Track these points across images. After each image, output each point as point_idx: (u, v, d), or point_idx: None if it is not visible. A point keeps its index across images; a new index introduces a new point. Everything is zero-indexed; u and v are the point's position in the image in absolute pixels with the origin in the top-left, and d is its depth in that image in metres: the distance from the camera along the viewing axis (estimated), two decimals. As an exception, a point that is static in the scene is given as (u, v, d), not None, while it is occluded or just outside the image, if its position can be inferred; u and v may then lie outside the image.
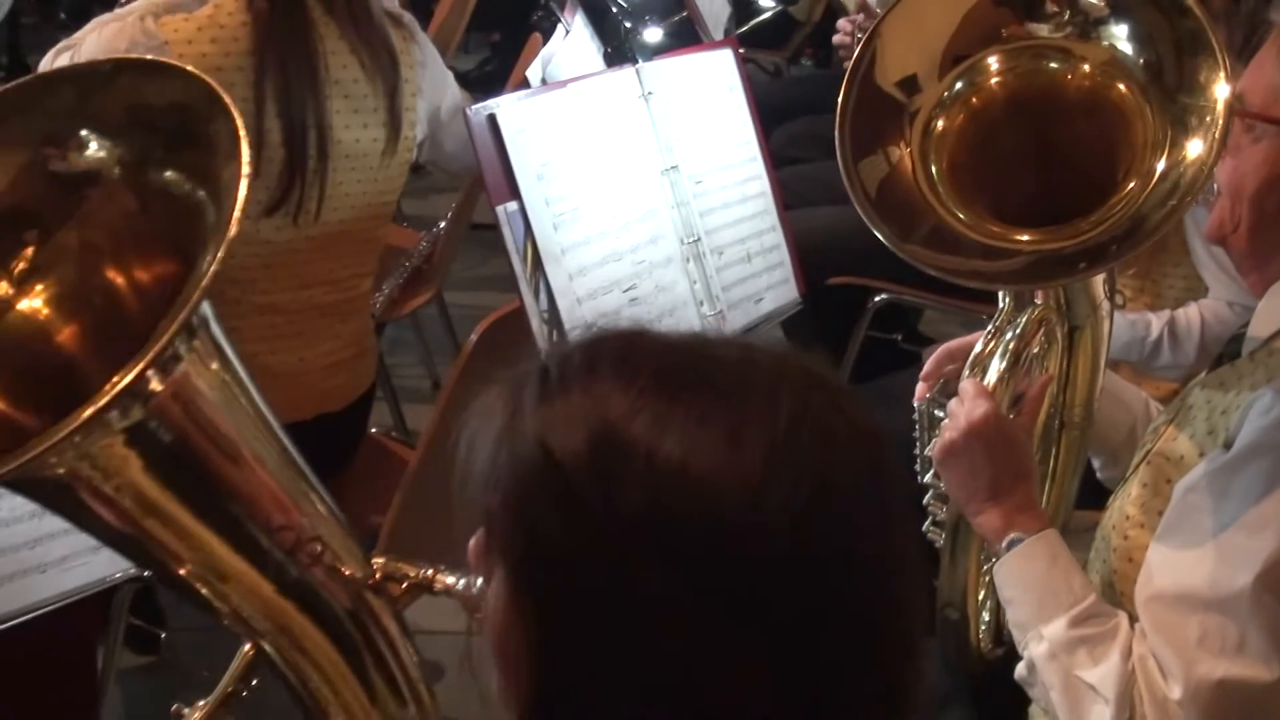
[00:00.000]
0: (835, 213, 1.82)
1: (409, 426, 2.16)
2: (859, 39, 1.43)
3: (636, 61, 1.54)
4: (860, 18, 2.07)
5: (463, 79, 1.69)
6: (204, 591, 0.75)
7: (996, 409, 0.99)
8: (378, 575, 0.79)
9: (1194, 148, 0.91)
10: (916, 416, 1.12)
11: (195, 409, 0.69)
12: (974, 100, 1.04)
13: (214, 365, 0.71)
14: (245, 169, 0.67)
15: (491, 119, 1.32)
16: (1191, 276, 1.50)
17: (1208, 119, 0.90)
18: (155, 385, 0.66)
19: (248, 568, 0.75)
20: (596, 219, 1.40)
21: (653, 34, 2.02)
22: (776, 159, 1.71)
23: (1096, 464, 1.19)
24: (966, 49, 1.03)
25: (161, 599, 1.72)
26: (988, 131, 1.03)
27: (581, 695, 0.53)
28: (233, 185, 0.67)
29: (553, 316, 1.32)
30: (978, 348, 1.07)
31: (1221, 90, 0.89)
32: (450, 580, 0.76)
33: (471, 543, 0.58)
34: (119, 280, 0.76)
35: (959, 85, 1.03)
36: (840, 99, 1.02)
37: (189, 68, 0.73)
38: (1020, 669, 0.95)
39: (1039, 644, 0.92)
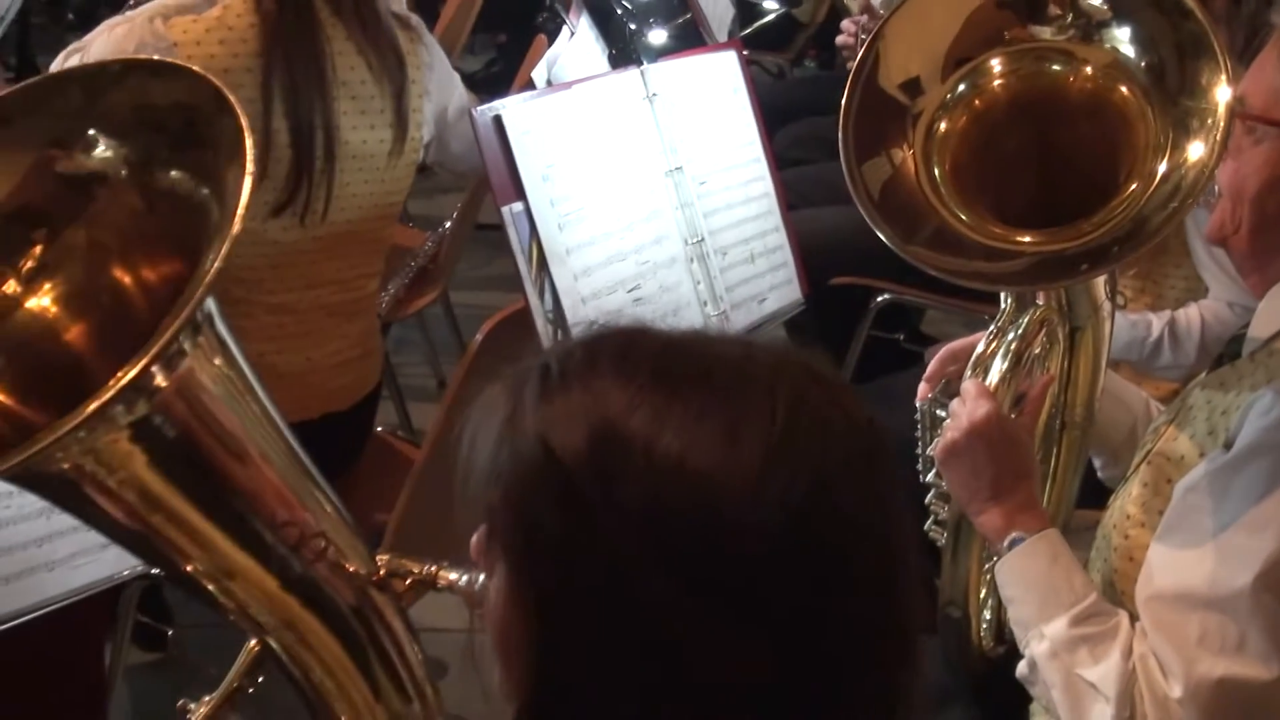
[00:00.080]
0: (838, 213, 1.82)
1: (414, 425, 2.17)
2: (862, 41, 1.43)
3: (641, 63, 1.55)
4: (864, 19, 2.08)
5: (468, 80, 1.70)
6: (209, 587, 0.76)
7: (998, 409, 1.00)
8: (382, 572, 0.80)
9: (1195, 150, 0.91)
10: (919, 416, 1.13)
11: (200, 405, 0.70)
12: (977, 102, 1.04)
13: (219, 362, 0.71)
14: (249, 168, 0.68)
15: (497, 120, 1.33)
16: (1192, 277, 1.51)
17: (1209, 122, 0.90)
18: (160, 381, 0.66)
19: (252, 563, 0.75)
20: (601, 219, 1.40)
21: (657, 36, 2.03)
22: (780, 160, 1.72)
23: (1097, 463, 1.20)
24: (969, 51, 1.04)
25: (169, 596, 1.73)
26: (990, 133, 1.04)
27: (581, 690, 0.54)
28: (237, 184, 0.68)
29: (557, 316, 1.33)
30: (980, 348, 1.07)
31: (1223, 93, 0.90)
32: (453, 576, 0.76)
33: (473, 539, 0.58)
34: (126, 279, 0.76)
35: (962, 87, 1.04)
36: (844, 101, 1.03)
37: (195, 68, 0.74)
38: (1021, 667, 0.96)
39: (1040, 642, 0.92)
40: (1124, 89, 0.99)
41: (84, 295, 0.76)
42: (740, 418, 0.52)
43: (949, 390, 1.09)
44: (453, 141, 1.59)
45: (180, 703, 0.82)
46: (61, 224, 0.76)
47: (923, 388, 1.13)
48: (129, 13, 1.41)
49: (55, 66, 1.41)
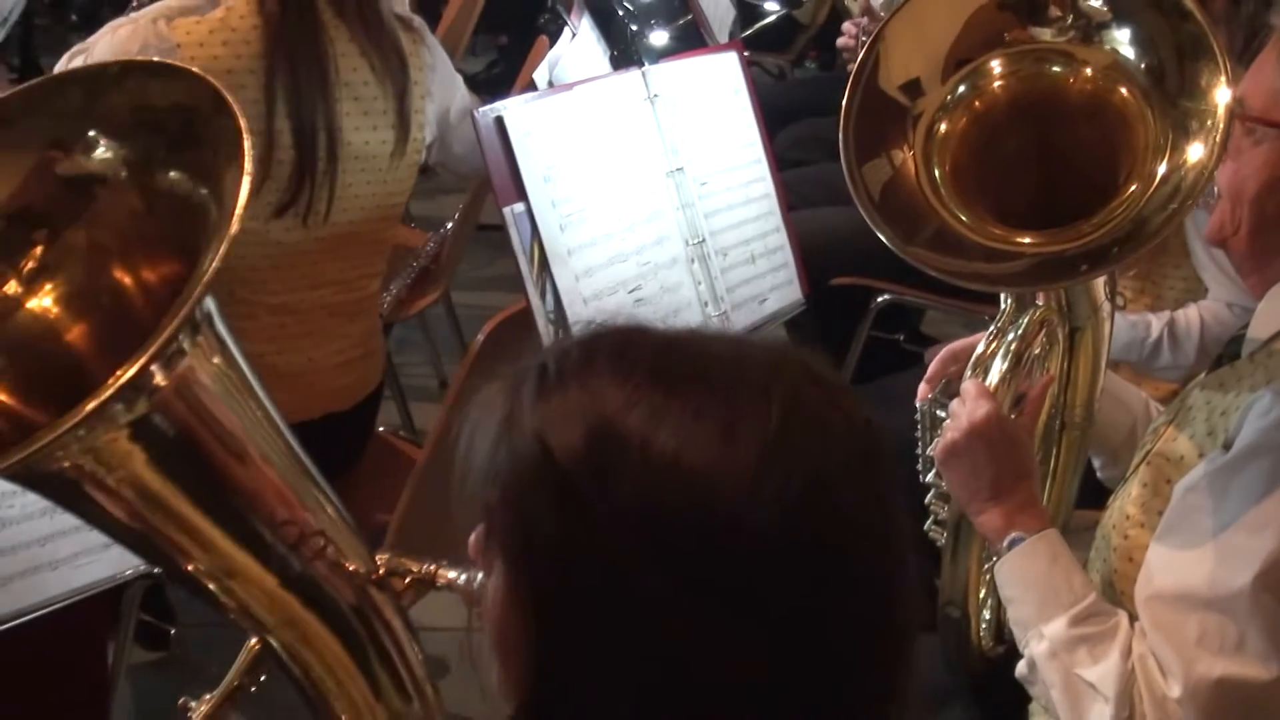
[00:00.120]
0: (838, 214, 1.83)
1: (416, 425, 2.18)
2: (863, 43, 1.43)
3: (642, 64, 1.55)
4: (865, 22, 2.08)
5: (470, 81, 1.70)
6: (209, 586, 0.76)
7: (998, 409, 1.00)
8: (381, 570, 0.80)
9: (1195, 151, 0.91)
10: (919, 416, 1.13)
11: (199, 404, 0.70)
12: (977, 104, 1.04)
13: (218, 361, 0.72)
14: (248, 169, 0.68)
15: (499, 121, 1.33)
16: (1191, 278, 1.51)
17: (1208, 123, 0.91)
18: (159, 380, 0.67)
19: (252, 562, 0.76)
20: (602, 220, 1.41)
21: (658, 37, 2.03)
22: (780, 161, 1.72)
23: (1097, 464, 1.20)
24: (969, 53, 1.04)
25: (171, 595, 1.73)
26: (990, 135, 1.04)
27: (579, 688, 0.54)
28: (236, 185, 0.68)
29: (559, 317, 1.34)
30: (980, 349, 1.07)
31: (1222, 95, 0.90)
32: (452, 575, 0.77)
33: (471, 538, 0.59)
34: (126, 280, 0.77)
35: (962, 89, 1.04)
36: (844, 102, 1.03)
37: (194, 69, 0.74)
38: (1021, 667, 0.96)
39: (1039, 642, 0.92)
40: (1124, 90, 0.99)
41: (84, 296, 0.76)
42: (736, 416, 0.52)
43: (949, 390, 1.09)
44: (455, 143, 1.59)
45: (181, 701, 0.82)
46: (62, 225, 0.76)
47: (923, 388, 1.13)
48: (133, 14, 1.42)
49: (60, 67, 1.41)
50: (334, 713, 0.82)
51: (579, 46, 1.81)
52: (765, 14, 2.94)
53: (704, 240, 1.52)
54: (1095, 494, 1.16)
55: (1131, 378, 1.34)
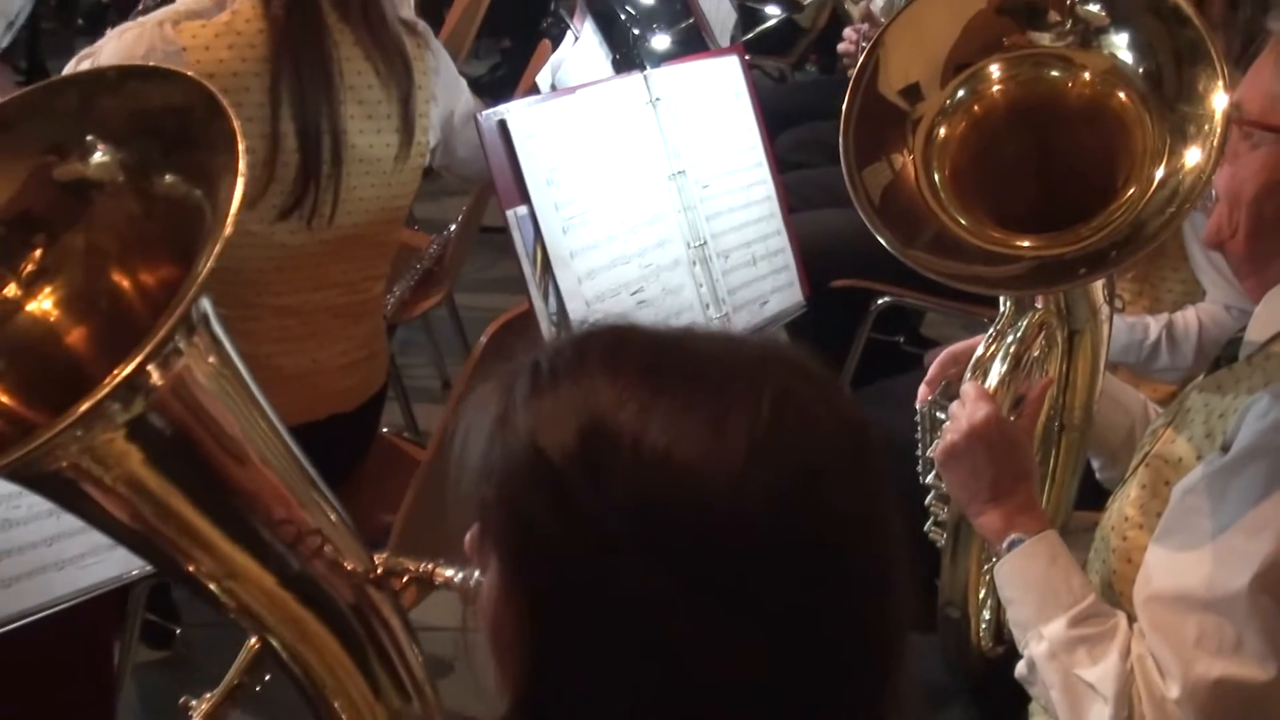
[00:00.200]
0: (839, 216, 1.84)
1: (420, 427, 2.19)
2: (863, 48, 1.44)
3: (644, 68, 1.56)
4: (865, 27, 2.09)
5: (473, 84, 1.71)
6: (209, 585, 0.77)
7: (997, 411, 1.01)
8: (379, 570, 0.80)
9: (1192, 156, 0.92)
10: (919, 418, 1.13)
11: (196, 404, 0.71)
12: (976, 108, 1.05)
13: (214, 361, 0.72)
14: (241, 171, 0.69)
15: (502, 124, 1.34)
16: (1189, 281, 1.52)
17: (1206, 127, 0.91)
18: (156, 379, 0.67)
19: (250, 561, 0.76)
20: (605, 223, 1.42)
21: (660, 41, 2.04)
22: (781, 163, 1.73)
23: (1096, 465, 1.20)
24: (969, 57, 1.05)
25: (176, 595, 1.74)
26: (989, 139, 1.04)
27: (573, 684, 0.54)
28: (231, 187, 0.69)
29: (561, 319, 1.34)
30: (979, 351, 1.08)
31: (1220, 100, 0.91)
32: (449, 573, 0.77)
33: (467, 536, 0.59)
34: (125, 283, 0.77)
35: (961, 93, 1.05)
36: (844, 107, 1.03)
37: (189, 73, 0.75)
38: (1020, 668, 0.96)
39: (1039, 643, 0.93)
40: (1122, 95, 0.99)
41: (83, 299, 0.77)
42: (726, 411, 0.53)
43: (949, 392, 1.10)
44: (459, 147, 1.60)
45: (182, 700, 0.82)
46: (61, 228, 0.77)
47: (923, 390, 1.13)
48: (139, 18, 1.43)
49: (68, 71, 1.42)
50: (334, 712, 0.82)
51: (581, 50, 1.82)
52: (766, 18, 2.95)
53: (705, 243, 1.52)
54: (1094, 495, 1.16)
55: (1130, 379, 1.34)
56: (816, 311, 1.70)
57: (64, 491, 0.71)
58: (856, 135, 1.03)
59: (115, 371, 0.63)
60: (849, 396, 0.58)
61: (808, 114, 2.52)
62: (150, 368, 0.66)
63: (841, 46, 2.20)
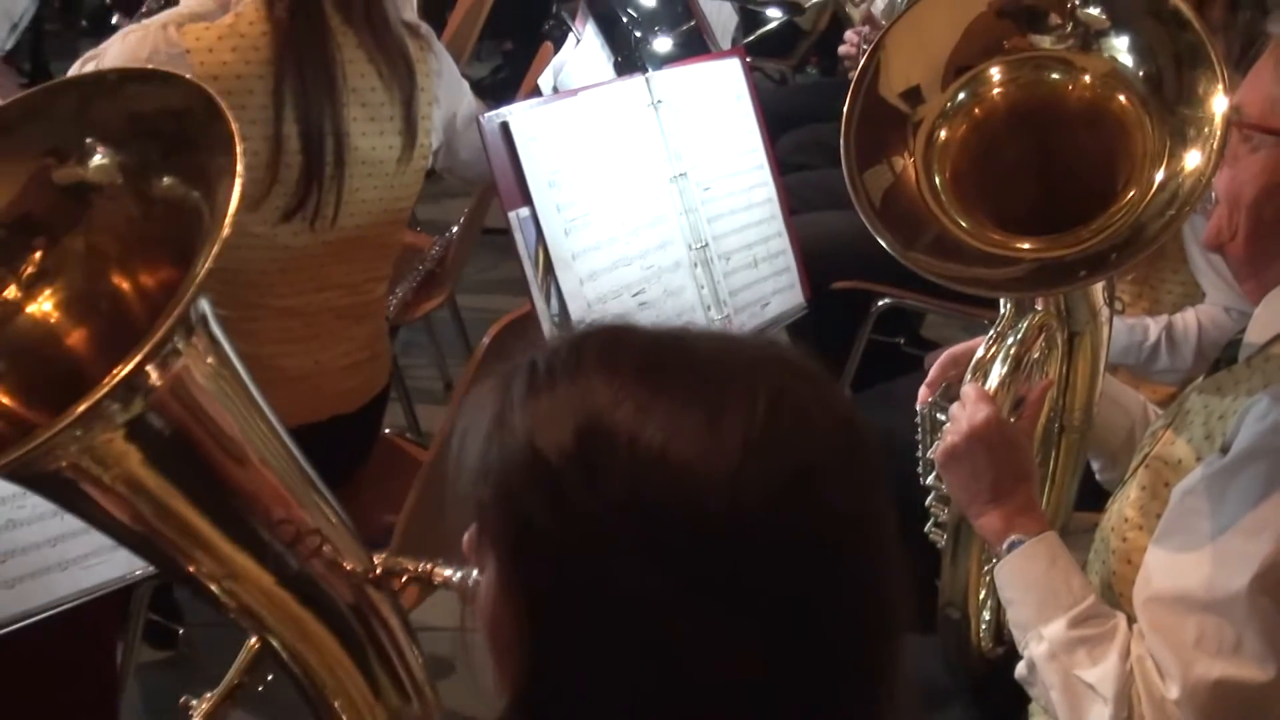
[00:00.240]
0: (840, 218, 1.84)
1: (422, 427, 2.19)
2: (864, 50, 1.44)
3: (646, 70, 1.56)
4: (866, 30, 2.10)
5: (475, 86, 1.72)
6: (208, 585, 0.77)
7: (998, 413, 1.01)
8: (378, 570, 0.81)
9: (1192, 158, 0.92)
10: (919, 420, 1.14)
11: (195, 404, 0.71)
12: (976, 111, 1.05)
13: (213, 362, 0.72)
14: (239, 172, 0.69)
15: (504, 127, 1.34)
16: (1189, 283, 1.52)
17: (1206, 130, 0.92)
18: (155, 379, 0.67)
19: (249, 561, 0.76)
20: (606, 225, 1.42)
21: (662, 43, 2.04)
22: (782, 165, 1.73)
23: (1095, 466, 1.21)
24: (969, 60, 1.05)
25: (179, 595, 1.74)
26: (990, 141, 1.05)
27: (571, 682, 0.54)
28: (229, 189, 0.69)
29: (563, 320, 1.35)
30: (979, 353, 1.08)
31: (1220, 102, 0.91)
32: (447, 573, 0.77)
33: (466, 536, 0.59)
34: (125, 285, 0.78)
35: (962, 96, 1.05)
36: (845, 110, 1.04)
37: (187, 75, 0.76)
38: (1020, 668, 0.96)
39: (1039, 644, 0.93)
40: (1122, 98, 1.00)
41: (84, 301, 0.77)
42: (722, 410, 0.53)
43: (949, 394, 1.10)
44: (461, 148, 1.61)
45: (182, 700, 0.83)
46: (61, 231, 0.77)
47: (923, 392, 1.14)
48: (144, 20, 1.43)
49: (72, 73, 1.43)
50: (334, 712, 0.83)
51: (583, 53, 1.83)
52: (767, 20, 2.95)
53: (707, 244, 1.53)
54: (1094, 496, 1.17)
55: (1130, 381, 1.35)
56: (817, 313, 1.71)
57: (64, 492, 0.71)
58: (857, 138, 1.03)
59: (114, 372, 0.64)
60: (844, 396, 0.58)
61: (809, 116, 2.52)
62: (149, 368, 0.67)
63: (842, 49, 2.21)
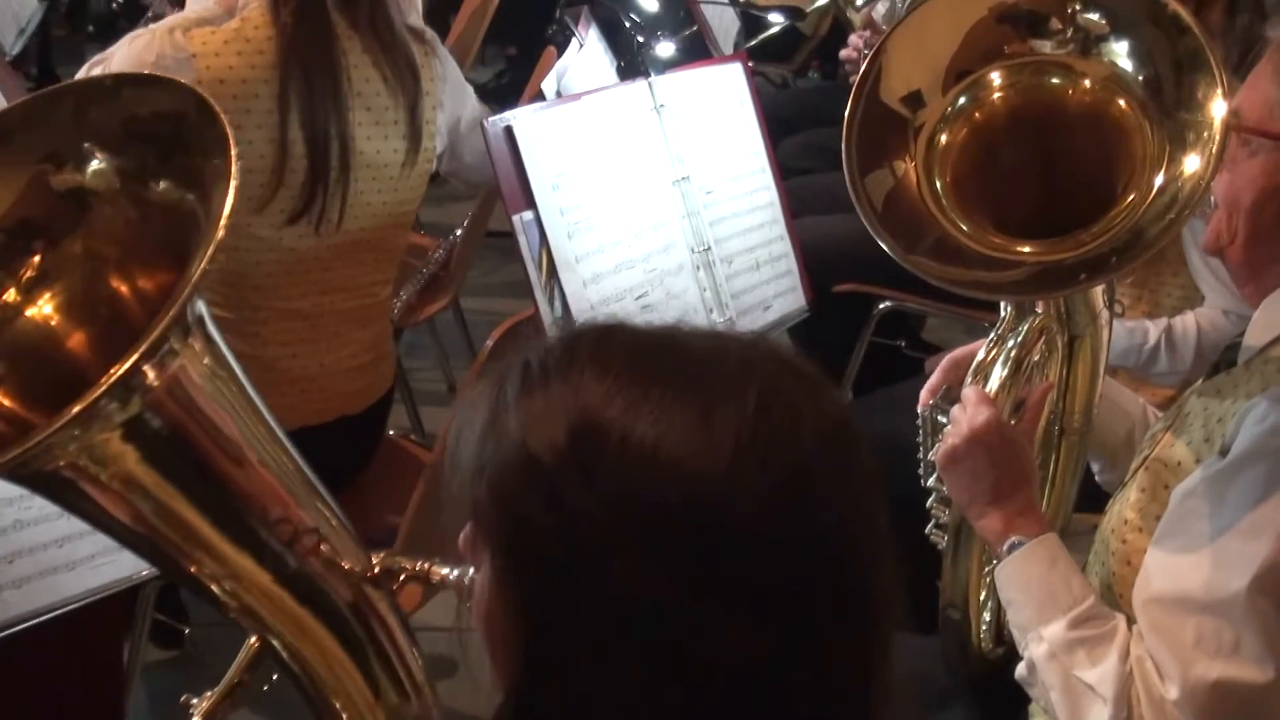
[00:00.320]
0: (841, 222, 1.85)
1: (426, 429, 2.20)
2: (865, 55, 1.45)
3: (649, 75, 1.57)
4: (867, 34, 2.11)
5: (479, 91, 1.73)
6: (209, 586, 0.77)
7: (998, 415, 1.01)
8: (376, 569, 0.81)
9: (1191, 163, 0.93)
10: (920, 422, 1.14)
11: (193, 404, 0.72)
12: (977, 115, 1.06)
13: (210, 362, 0.73)
14: (234, 175, 0.70)
15: (508, 131, 1.35)
16: (1188, 286, 1.53)
17: (1205, 134, 0.92)
18: (152, 379, 0.68)
19: (248, 560, 0.77)
20: (610, 228, 1.43)
21: (665, 48, 2.05)
22: (784, 169, 1.74)
23: (1095, 468, 1.21)
24: (970, 65, 1.05)
25: (185, 595, 1.75)
26: (990, 145, 1.05)
27: (565, 679, 0.54)
28: (225, 191, 0.70)
29: (567, 323, 1.35)
30: (980, 355, 1.09)
31: (1218, 107, 0.91)
32: (445, 572, 0.78)
33: (462, 534, 0.60)
34: (123, 288, 0.78)
35: (962, 100, 1.06)
36: (847, 114, 1.04)
37: (182, 81, 0.77)
38: (1020, 669, 0.97)
39: (1039, 645, 0.94)
40: (1122, 102, 1.00)
41: (83, 304, 0.78)
42: (713, 405, 0.53)
43: (950, 396, 1.10)
44: (465, 152, 1.62)
45: (183, 698, 0.83)
46: (60, 235, 0.78)
47: (924, 396, 1.14)
48: (151, 24, 1.45)
49: (79, 78, 1.44)
50: (334, 710, 0.83)
51: (586, 57, 1.84)
52: (769, 25, 2.96)
53: (709, 248, 1.54)
54: (1094, 498, 1.17)
55: (1129, 383, 1.35)
56: (818, 316, 1.72)
57: (63, 491, 0.71)
58: (859, 142, 1.04)
59: (111, 371, 0.64)
60: (836, 393, 0.58)
61: (810, 120, 2.53)
62: (145, 368, 0.67)
63: (844, 53, 2.22)
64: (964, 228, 1.02)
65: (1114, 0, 1.01)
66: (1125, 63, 1.01)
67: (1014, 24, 1.05)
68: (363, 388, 1.58)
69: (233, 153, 0.71)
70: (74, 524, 1.14)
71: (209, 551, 0.76)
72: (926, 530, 1.15)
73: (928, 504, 1.15)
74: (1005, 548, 0.99)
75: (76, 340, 0.78)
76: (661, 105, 1.52)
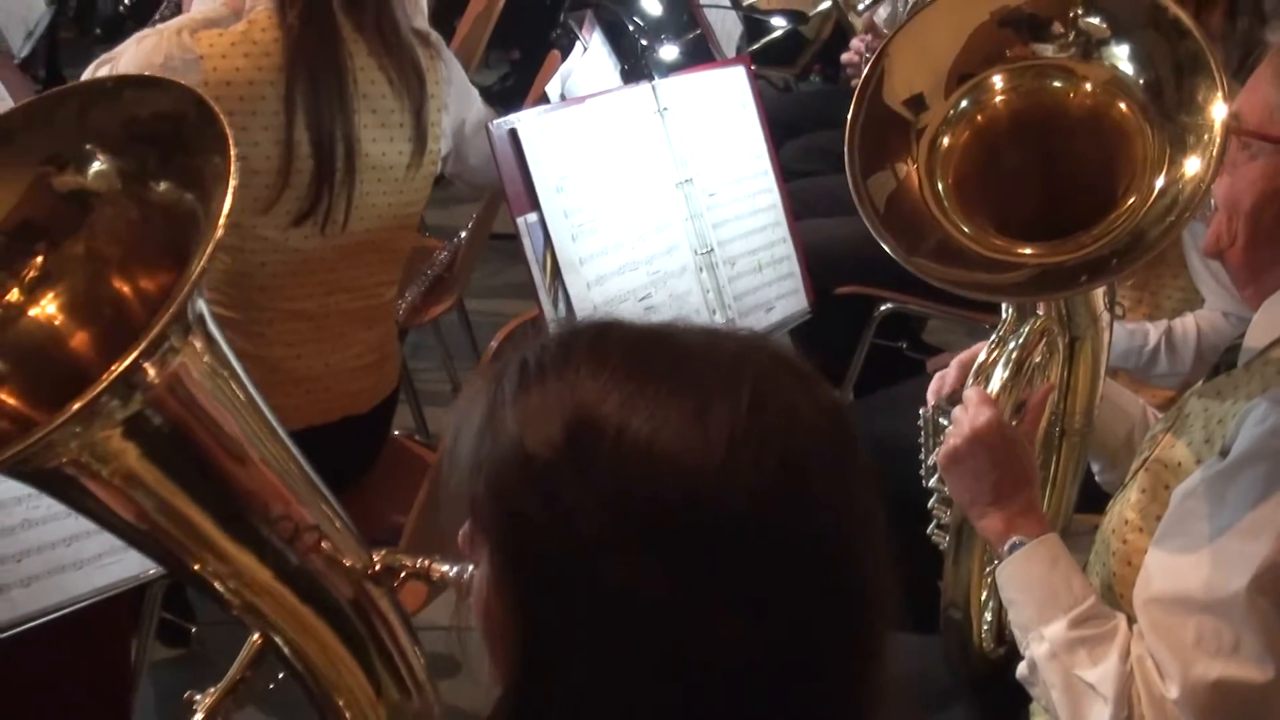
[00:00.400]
0: (843, 224, 1.85)
1: (430, 429, 2.20)
2: (867, 58, 1.46)
3: (652, 78, 1.58)
4: (870, 38, 2.11)
5: (483, 93, 1.74)
6: (212, 583, 0.78)
7: (1000, 416, 1.02)
8: (377, 566, 0.81)
9: (1192, 165, 0.93)
10: (922, 423, 1.15)
11: (193, 401, 0.72)
12: (979, 118, 1.06)
13: (211, 360, 0.73)
14: (233, 175, 0.70)
15: (513, 133, 1.36)
16: (1189, 288, 1.53)
17: (1205, 137, 0.92)
18: (152, 376, 0.68)
19: (249, 557, 0.77)
20: (613, 230, 1.44)
21: (668, 51, 2.06)
22: (786, 172, 1.75)
23: (1096, 469, 1.21)
24: (972, 68, 1.06)
25: (191, 594, 1.76)
26: (992, 148, 1.06)
27: (562, 673, 0.55)
28: (224, 192, 0.70)
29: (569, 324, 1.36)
30: (981, 357, 1.09)
31: (1219, 110, 0.92)
32: (444, 568, 0.78)
33: (460, 531, 0.60)
34: (125, 288, 0.79)
35: (964, 103, 1.06)
36: (849, 117, 1.05)
37: (182, 83, 0.77)
38: (1021, 668, 0.97)
39: (1040, 644, 0.94)
40: (1123, 105, 1.01)
41: (85, 304, 0.78)
42: (707, 401, 0.54)
43: (951, 397, 1.11)
44: (470, 155, 1.62)
45: (186, 695, 0.83)
46: (62, 236, 0.78)
47: (932, 392, 1.14)
48: (158, 26, 1.46)
49: (86, 77, 1.45)
50: (337, 708, 0.83)
51: (590, 60, 1.85)
52: (772, 29, 2.97)
53: (712, 250, 1.55)
54: (1094, 498, 1.18)
55: (1130, 384, 1.36)
56: (820, 317, 1.72)
57: (66, 488, 0.72)
58: (861, 144, 1.04)
59: (111, 369, 0.65)
60: (830, 389, 0.58)
61: (813, 123, 2.54)
62: (146, 365, 0.68)
63: (845, 57, 2.23)
64: (965, 230, 1.02)
65: (1115, 4, 1.01)
66: (1126, 66, 1.01)
67: (1015, 28, 1.06)
68: (368, 388, 1.59)
69: (232, 153, 0.71)
70: (81, 523, 1.15)
71: (210, 548, 0.76)
72: (928, 530, 1.15)
73: (929, 504, 1.15)
74: (1006, 548, 1.00)
75: (79, 340, 0.79)
76: (665, 108, 1.53)
